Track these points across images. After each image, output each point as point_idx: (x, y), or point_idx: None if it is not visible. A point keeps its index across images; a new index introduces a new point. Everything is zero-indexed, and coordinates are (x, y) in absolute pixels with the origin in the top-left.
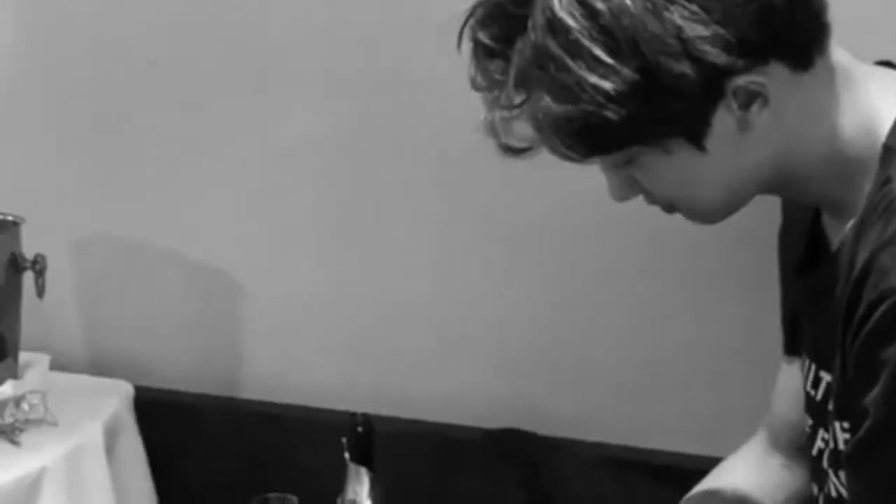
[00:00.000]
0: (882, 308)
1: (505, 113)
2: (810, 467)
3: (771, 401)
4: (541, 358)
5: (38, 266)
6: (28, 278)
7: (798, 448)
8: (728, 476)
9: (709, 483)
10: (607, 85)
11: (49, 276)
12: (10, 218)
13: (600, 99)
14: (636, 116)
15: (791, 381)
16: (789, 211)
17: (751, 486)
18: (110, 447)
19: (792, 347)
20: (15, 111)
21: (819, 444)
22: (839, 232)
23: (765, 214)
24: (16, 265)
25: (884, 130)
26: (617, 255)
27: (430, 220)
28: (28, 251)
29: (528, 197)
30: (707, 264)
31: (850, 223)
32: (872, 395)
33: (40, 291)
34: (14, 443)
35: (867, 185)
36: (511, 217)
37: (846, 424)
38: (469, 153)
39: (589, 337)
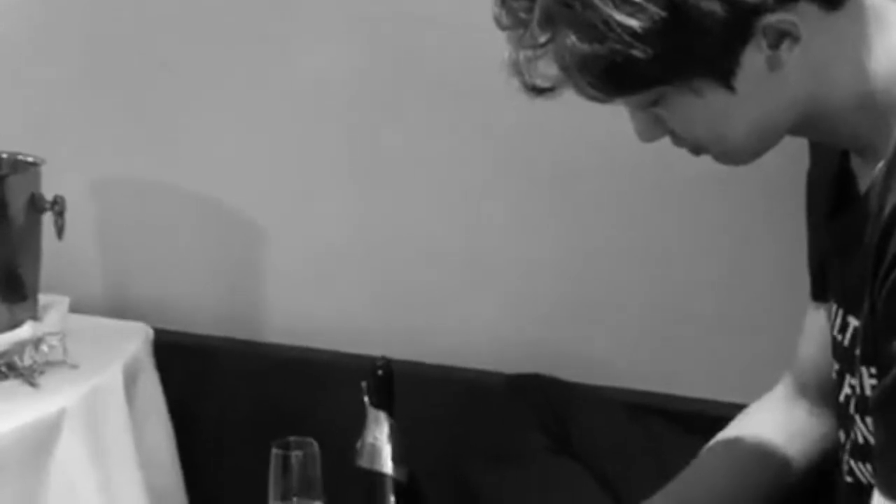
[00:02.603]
0: None
1: (529, 52)
2: (837, 413)
3: (797, 346)
4: (564, 303)
5: (58, 207)
6: (48, 219)
7: (825, 394)
8: (752, 423)
9: (733, 431)
10: (634, 23)
11: (69, 217)
12: (29, 159)
13: (627, 37)
14: (663, 55)
15: (818, 327)
16: (817, 154)
17: (775, 434)
18: (130, 390)
19: (819, 293)
20: (34, 51)
21: (846, 390)
22: (868, 175)
23: (796, 157)
24: (35, 206)
25: None
26: (643, 197)
27: (454, 162)
28: (48, 192)
29: (555, 138)
30: (735, 208)
31: (879, 166)
32: None
33: (60, 233)
34: (33, 385)
35: None
36: (537, 159)
37: (873, 370)
38: (495, 92)
39: (613, 281)
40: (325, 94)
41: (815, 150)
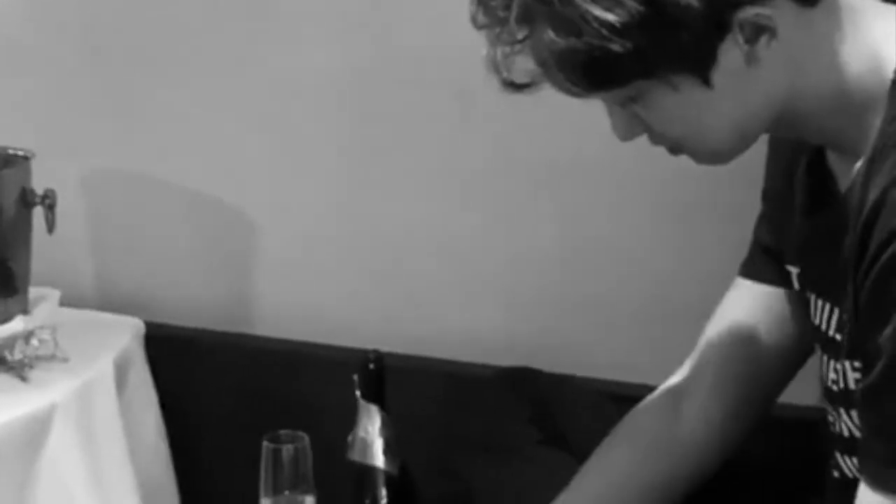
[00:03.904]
0: (893, 246)
1: (507, 49)
2: (828, 406)
3: (706, 331)
4: (555, 296)
5: (49, 201)
6: (38, 213)
7: (725, 380)
8: (638, 421)
9: (621, 430)
10: (612, 17)
11: (59, 211)
12: (20, 152)
13: (605, 32)
14: (641, 50)
15: (737, 309)
16: (778, 145)
17: (661, 430)
18: (121, 383)
19: (751, 270)
20: (23, 44)
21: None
22: (847, 171)
23: None
24: (26, 200)
25: (891, 66)
26: (629, 192)
27: (443, 155)
28: (38, 186)
29: (541, 133)
30: (719, 203)
31: (860, 162)
32: (885, 334)
33: (50, 226)
34: (24, 379)
35: (875, 123)
36: (524, 154)
37: (857, 364)
38: (483, 88)
39: (603, 274)
40: (316, 86)
41: (776, 140)
